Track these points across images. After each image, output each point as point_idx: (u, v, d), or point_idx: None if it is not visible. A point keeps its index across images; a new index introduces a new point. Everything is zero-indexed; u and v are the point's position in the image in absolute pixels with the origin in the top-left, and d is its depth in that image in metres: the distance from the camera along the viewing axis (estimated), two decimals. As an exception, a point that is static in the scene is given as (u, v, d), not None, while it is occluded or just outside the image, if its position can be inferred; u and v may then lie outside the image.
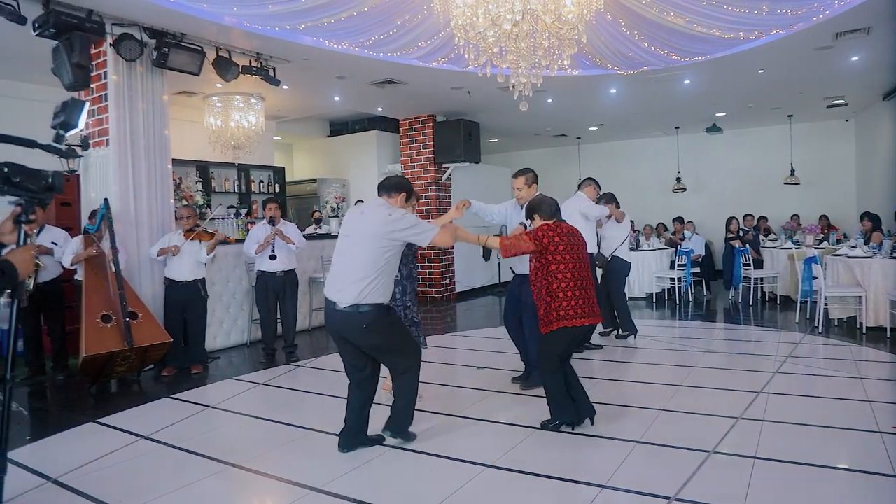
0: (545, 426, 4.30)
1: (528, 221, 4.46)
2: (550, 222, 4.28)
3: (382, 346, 3.87)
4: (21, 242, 2.47)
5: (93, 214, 6.30)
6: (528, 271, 5.10)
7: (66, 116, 2.52)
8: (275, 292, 6.88)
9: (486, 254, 5.03)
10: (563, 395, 4.26)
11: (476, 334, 8.31)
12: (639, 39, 7.32)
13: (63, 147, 2.54)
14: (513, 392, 5.26)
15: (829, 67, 9.01)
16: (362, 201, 11.17)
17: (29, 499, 3.46)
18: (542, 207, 4.34)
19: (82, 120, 2.59)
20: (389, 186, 4.00)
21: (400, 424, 4.03)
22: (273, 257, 6.75)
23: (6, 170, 2.35)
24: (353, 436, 3.97)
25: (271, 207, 6.88)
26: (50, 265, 6.23)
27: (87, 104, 2.67)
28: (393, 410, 4.03)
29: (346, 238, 3.87)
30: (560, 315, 4.12)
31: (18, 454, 4.13)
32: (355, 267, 3.72)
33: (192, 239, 6.33)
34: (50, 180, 2.47)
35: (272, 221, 6.80)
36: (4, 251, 2.46)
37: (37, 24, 5.81)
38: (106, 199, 6.13)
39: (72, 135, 2.63)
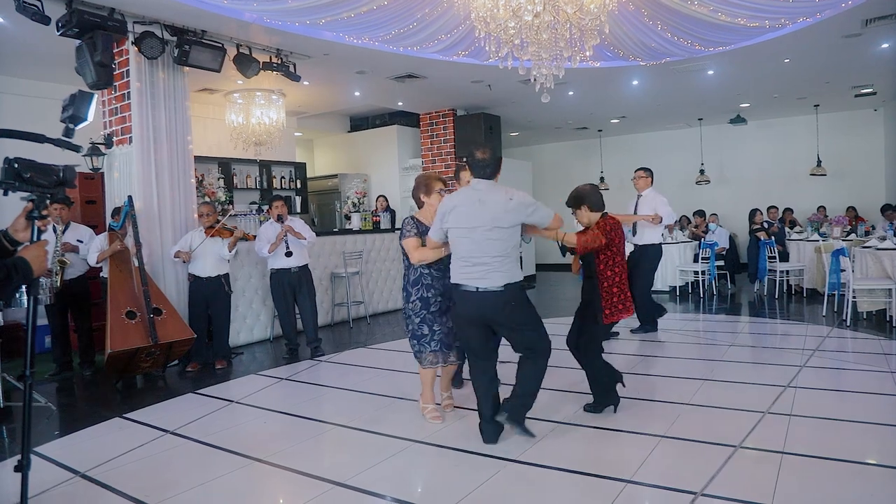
0: (589, 409, 4.47)
1: (572, 211, 4.42)
2: (607, 215, 4.34)
3: (524, 321, 3.88)
4: (34, 238, 2.47)
5: (116, 212, 6.37)
6: None
7: (74, 109, 2.50)
8: (291, 288, 6.89)
9: (564, 250, 4.93)
10: (611, 379, 4.46)
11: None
12: (662, 29, 7.22)
13: (73, 141, 2.53)
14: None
15: (857, 55, 8.82)
16: (384, 196, 11.21)
17: (58, 493, 3.50)
18: (592, 199, 4.33)
19: (91, 112, 2.56)
20: (491, 169, 3.82)
21: (520, 412, 3.94)
22: (289, 254, 6.76)
23: (16, 165, 2.34)
24: (494, 423, 3.95)
25: (278, 205, 6.89)
26: (76, 262, 6.30)
27: (96, 96, 2.62)
28: (519, 392, 3.92)
29: (469, 229, 3.75)
30: (626, 306, 4.33)
31: (47, 449, 4.20)
32: (495, 252, 3.73)
33: (212, 236, 6.37)
34: (61, 174, 2.46)
35: (280, 219, 6.81)
36: (19, 249, 2.46)
37: (60, 24, 5.89)
38: (129, 197, 6.19)
39: (81, 128, 2.61)
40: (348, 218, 10.95)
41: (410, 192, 4.45)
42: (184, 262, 6.42)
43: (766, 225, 10.99)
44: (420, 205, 4.38)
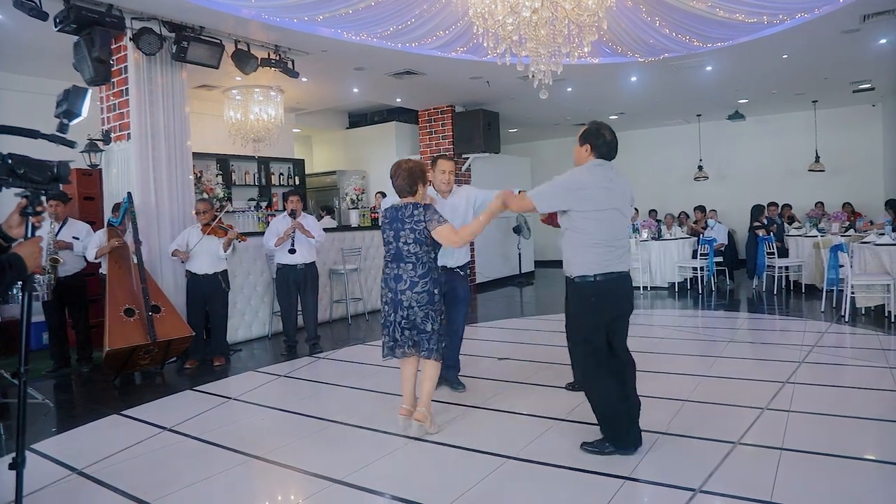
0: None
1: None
2: None
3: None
4: (28, 235, 2.46)
5: (116, 208, 6.34)
6: (457, 264, 4.93)
7: (68, 105, 2.47)
8: (295, 285, 6.89)
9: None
10: None
11: (497, 325, 8.29)
12: (660, 25, 7.22)
13: (69, 137, 2.50)
14: (534, 383, 5.23)
15: (855, 51, 8.81)
16: (383, 193, 11.19)
17: (55, 490, 3.50)
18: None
19: (85, 108, 2.53)
20: (616, 152, 3.76)
21: None
22: (293, 251, 6.73)
23: (10, 161, 2.32)
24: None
25: (293, 200, 6.87)
26: (71, 259, 6.27)
27: (90, 91, 2.60)
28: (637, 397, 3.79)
29: (611, 210, 3.60)
30: None
31: (44, 446, 4.19)
32: (627, 234, 3.76)
33: (207, 234, 6.35)
34: (55, 170, 2.44)
35: (293, 214, 6.79)
36: (13, 245, 2.45)
37: (58, 20, 5.86)
38: (129, 193, 6.17)
39: (78, 125, 2.59)
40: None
41: (394, 180, 4.10)
42: (182, 261, 6.40)
43: (765, 221, 10.94)
44: (409, 193, 4.08)
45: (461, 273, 5.03)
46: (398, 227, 4.03)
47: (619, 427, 3.64)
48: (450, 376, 5.10)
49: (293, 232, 6.70)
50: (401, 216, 4.04)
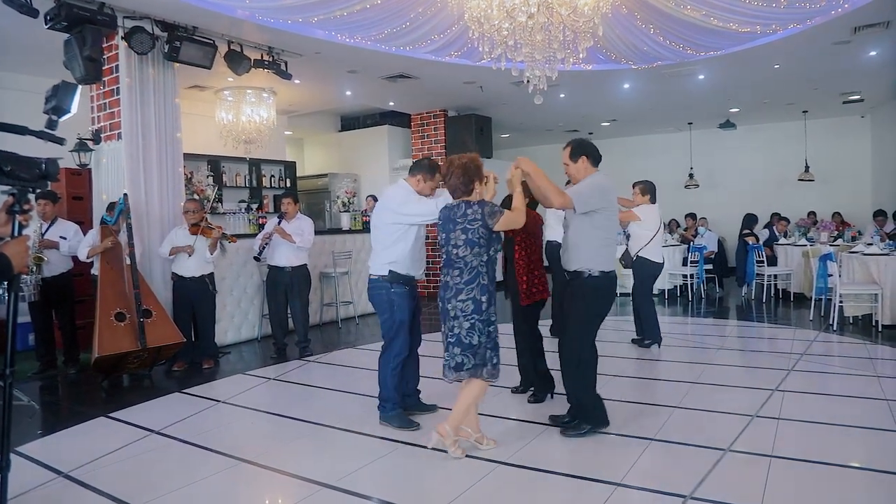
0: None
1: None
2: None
3: None
4: (15, 233, 2.41)
5: (111, 206, 6.25)
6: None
7: (57, 101, 2.43)
8: (283, 287, 6.85)
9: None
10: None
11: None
12: (654, 33, 7.24)
13: (57, 134, 2.46)
14: (525, 388, 5.21)
15: (846, 62, 8.88)
16: (374, 196, 11.16)
17: (40, 493, 3.45)
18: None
19: (75, 104, 2.48)
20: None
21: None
22: (256, 258, 6.94)
23: None
24: None
25: (284, 202, 6.85)
26: (57, 259, 6.20)
27: (80, 88, 2.56)
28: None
29: (614, 212, 4.16)
30: (540, 289, 4.80)
31: (30, 448, 4.13)
32: None
33: (197, 234, 6.27)
34: (44, 167, 2.40)
35: (281, 217, 6.76)
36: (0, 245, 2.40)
37: (49, 17, 5.81)
38: (125, 194, 6.05)
39: (69, 123, 2.55)
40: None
41: (447, 179, 3.91)
42: (189, 255, 6.21)
43: (758, 237, 10.95)
44: (465, 193, 3.80)
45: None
46: (450, 228, 3.75)
47: (596, 410, 4.09)
48: (411, 404, 4.60)
49: (269, 237, 6.67)
50: (453, 217, 3.75)
